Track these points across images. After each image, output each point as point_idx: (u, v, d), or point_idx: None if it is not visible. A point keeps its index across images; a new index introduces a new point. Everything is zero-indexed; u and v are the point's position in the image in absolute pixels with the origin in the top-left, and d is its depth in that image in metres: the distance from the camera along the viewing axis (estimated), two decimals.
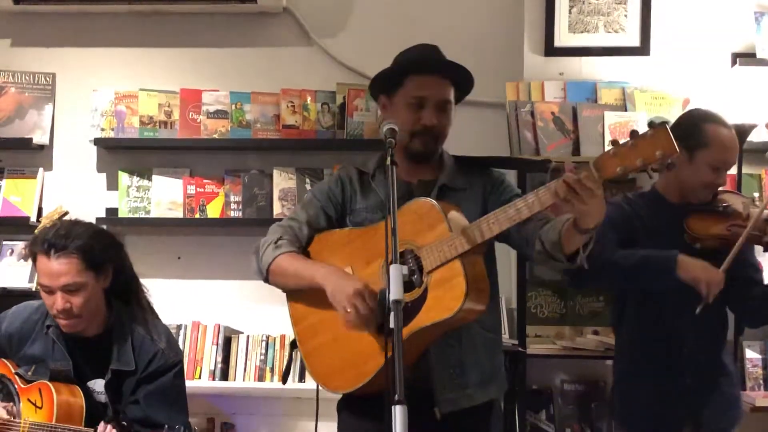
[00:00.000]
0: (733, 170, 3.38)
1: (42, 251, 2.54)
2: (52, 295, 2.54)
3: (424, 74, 2.40)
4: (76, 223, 2.68)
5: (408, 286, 2.10)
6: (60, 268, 2.51)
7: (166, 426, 2.44)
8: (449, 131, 2.46)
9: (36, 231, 3.83)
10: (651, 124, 1.96)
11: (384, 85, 2.46)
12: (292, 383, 3.70)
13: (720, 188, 2.88)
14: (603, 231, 2.95)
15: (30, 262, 3.97)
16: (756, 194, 2.91)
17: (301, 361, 2.54)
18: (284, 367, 2.53)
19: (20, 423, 2.53)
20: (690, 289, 2.70)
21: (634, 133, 1.96)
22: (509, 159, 2.55)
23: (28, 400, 2.56)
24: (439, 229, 2.16)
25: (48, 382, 2.54)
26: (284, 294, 2.47)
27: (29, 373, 2.60)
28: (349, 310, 2.16)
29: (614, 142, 1.99)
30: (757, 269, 2.94)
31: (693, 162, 2.79)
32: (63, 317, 2.55)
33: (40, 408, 2.53)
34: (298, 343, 2.41)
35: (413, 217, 2.20)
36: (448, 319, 2.11)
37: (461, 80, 2.45)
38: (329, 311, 2.27)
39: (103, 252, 2.60)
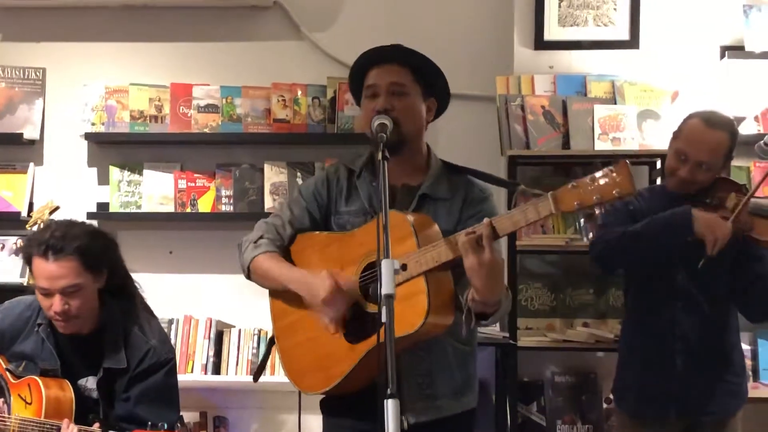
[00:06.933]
0: None
1: (39, 254, 2.48)
2: (50, 297, 2.50)
3: (378, 66, 2.38)
4: (72, 223, 2.62)
5: (374, 298, 2.09)
6: (59, 270, 2.47)
7: (150, 423, 2.44)
8: (417, 119, 2.37)
9: (27, 226, 3.83)
10: (615, 160, 1.93)
11: (357, 91, 2.45)
12: (284, 377, 3.70)
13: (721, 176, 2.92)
14: (612, 218, 2.94)
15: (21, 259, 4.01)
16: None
17: None
18: (258, 365, 2.52)
19: (9, 419, 2.53)
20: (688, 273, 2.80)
21: (595, 167, 1.93)
22: (490, 175, 2.48)
23: (19, 395, 2.56)
24: (407, 244, 2.14)
25: (37, 378, 2.53)
26: None
27: (20, 369, 2.60)
28: (326, 311, 2.19)
29: (575, 181, 1.94)
30: (763, 262, 2.89)
31: (669, 149, 2.92)
32: (60, 319, 2.52)
33: (30, 404, 2.52)
34: (276, 340, 2.41)
35: None
36: (411, 334, 2.10)
37: (421, 66, 2.38)
38: (307, 311, 2.29)
39: (100, 252, 2.58)
